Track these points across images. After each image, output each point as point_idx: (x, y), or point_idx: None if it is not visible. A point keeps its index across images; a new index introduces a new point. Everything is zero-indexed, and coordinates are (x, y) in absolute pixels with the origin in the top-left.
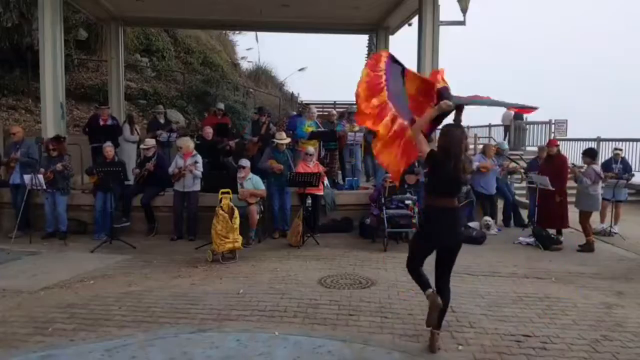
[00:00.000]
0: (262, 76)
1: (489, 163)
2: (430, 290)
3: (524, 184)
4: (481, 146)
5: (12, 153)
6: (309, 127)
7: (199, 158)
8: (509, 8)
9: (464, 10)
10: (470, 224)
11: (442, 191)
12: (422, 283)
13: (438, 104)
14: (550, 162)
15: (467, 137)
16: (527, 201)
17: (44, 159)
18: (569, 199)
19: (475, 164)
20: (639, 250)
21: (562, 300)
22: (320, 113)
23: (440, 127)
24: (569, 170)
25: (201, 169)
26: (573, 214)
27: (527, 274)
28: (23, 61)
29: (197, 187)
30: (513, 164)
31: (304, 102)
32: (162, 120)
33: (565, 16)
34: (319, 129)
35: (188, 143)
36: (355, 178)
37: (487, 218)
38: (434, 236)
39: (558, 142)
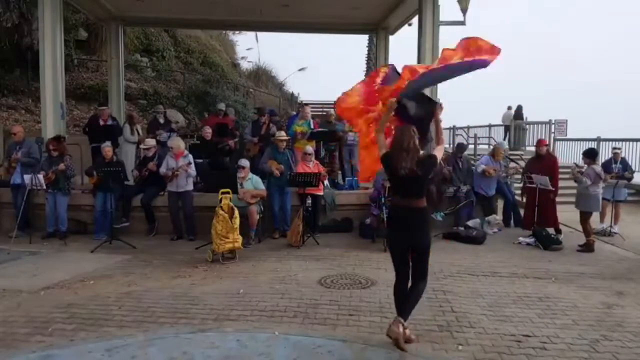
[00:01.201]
0: (262, 76)
1: (492, 168)
2: (399, 317)
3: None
4: (484, 147)
5: (14, 153)
6: (299, 126)
7: (191, 158)
8: (508, 7)
9: (464, 10)
10: (470, 223)
11: (400, 191)
12: (396, 306)
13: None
14: (540, 161)
15: (412, 135)
16: (524, 200)
17: (46, 159)
18: (568, 199)
19: (481, 167)
20: (639, 250)
21: (562, 300)
22: (320, 113)
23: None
24: (559, 170)
25: (194, 169)
26: (573, 213)
27: (527, 274)
28: (23, 61)
29: (191, 187)
30: (513, 164)
31: (303, 102)
32: (161, 120)
33: (565, 15)
34: (316, 129)
35: (179, 143)
36: (355, 178)
37: (495, 216)
38: (393, 235)
39: (547, 142)
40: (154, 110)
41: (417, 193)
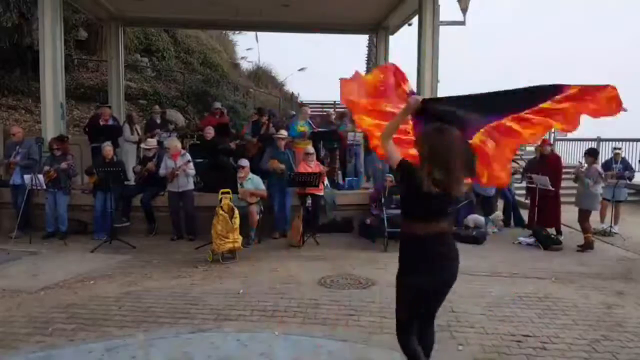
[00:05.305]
0: (262, 76)
1: None
2: None
3: (524, 184)
4: None
5: (12, 156)
6: (301, 127)
7: (189, 156)
8: (508, 7)
9: (464, 10)
10: (470, 222)
11: (421, 214)
12: None
13: (407, 102)
14: (544, 161)
15: (462, 141)
16: (527, 201)
17: (48, 158)
18: (570, 199)
19: None
20: (639, 250)
21: (562, 300)
22: (320, 113)
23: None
24: (562, 170)
25: (193, 168)
26: (572, 213)
27: (527, 274)
28: (23, 61)
29: (191, 186)
30: (513, 164)
31: (303, 102)
32: (158, 121)
33: (564, 12)
34: (315, 129)
35: (175, 143)
36: (356, 178)
37: (499, 214)
38: (413, 274)
39: (551, 142)
40: (151, 111)
41: (439, 215)
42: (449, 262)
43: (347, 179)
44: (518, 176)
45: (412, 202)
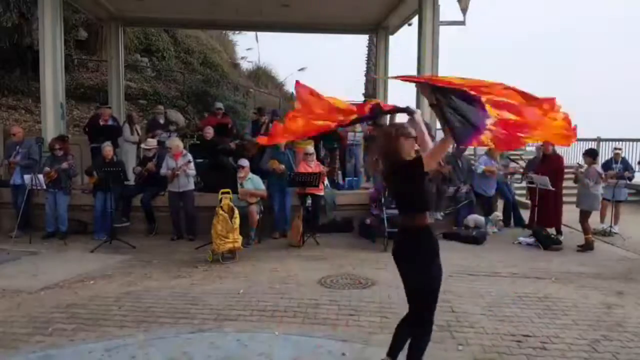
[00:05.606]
0: (262, 76)
1: (494, 167)
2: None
3: (524, 184)
4: (484, 147)
5: (12, 156)
6: None
7: (190, 157)
8: (508, 7)
9: (464, 10)
10: (471, 222)
11: (398, 207)
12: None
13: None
14: (546, 161)
15: (399, 137)
16: (528, 201)
17: (49, 158)
18: (570, 199)
19: (481, 167)
20: (639, 250)
21: (562, 300)
22: None
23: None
24: (564, 170)
25: (193, 168)
26: (572, 213)
27: (527, 274)
28: (23, 61)
29: (192, 186)
30: (513, 164)
31: None
32: (161, 121)
33: (565, 14)
34: None
35: (177, 143)
36: (356, 178)
37: (497, 214)
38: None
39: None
40: (153, 111)
41: (407, 208)
42: (403, 259)
43: (347, 179)
44: (518, 176)
45: None
